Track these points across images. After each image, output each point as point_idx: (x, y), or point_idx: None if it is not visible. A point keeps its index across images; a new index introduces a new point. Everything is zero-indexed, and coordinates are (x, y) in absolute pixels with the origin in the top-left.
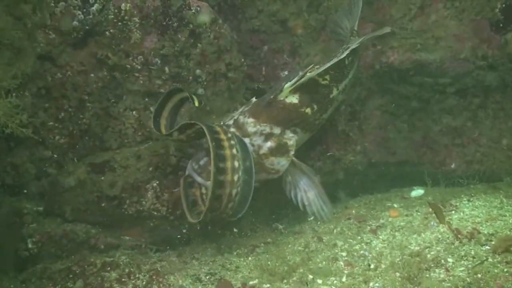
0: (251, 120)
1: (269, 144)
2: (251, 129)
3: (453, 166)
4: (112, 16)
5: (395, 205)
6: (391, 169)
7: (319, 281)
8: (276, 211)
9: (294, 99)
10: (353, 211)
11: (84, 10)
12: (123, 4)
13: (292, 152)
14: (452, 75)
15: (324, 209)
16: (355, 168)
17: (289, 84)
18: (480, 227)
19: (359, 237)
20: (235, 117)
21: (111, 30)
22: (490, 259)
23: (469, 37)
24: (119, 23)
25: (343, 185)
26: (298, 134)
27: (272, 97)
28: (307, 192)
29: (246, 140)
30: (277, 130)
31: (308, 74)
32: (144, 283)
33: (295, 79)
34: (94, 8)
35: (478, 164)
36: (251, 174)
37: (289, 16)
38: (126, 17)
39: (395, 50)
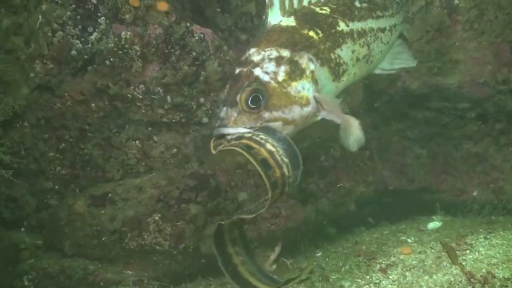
0: (252, 50)
1: (283, 68)
2: (256, 57)
3: (474, 194)
4: (112, 45)
5: (409, 240)
6: (409, 197)
7: None
8: (284, 245)
9: (290, 22)
10: (363, 247)
11: (83, 39)
12: (123, 32)
13: (308, 72)
14: (471, 99)
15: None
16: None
17: (268, 5)
18: (496, 270)
19: (367, 277)
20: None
21: (111, 59)
22: None
23: (489, 60)
24: (120, 52)
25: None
26: (314, 63)
27: (264, 25)
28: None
29: (258, 69)
30: (285, 53)
31: None
32: None
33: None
34: (93, 37)
35: (500, 193)
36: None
37: None
38: (126, 46)
39: (411, 74)
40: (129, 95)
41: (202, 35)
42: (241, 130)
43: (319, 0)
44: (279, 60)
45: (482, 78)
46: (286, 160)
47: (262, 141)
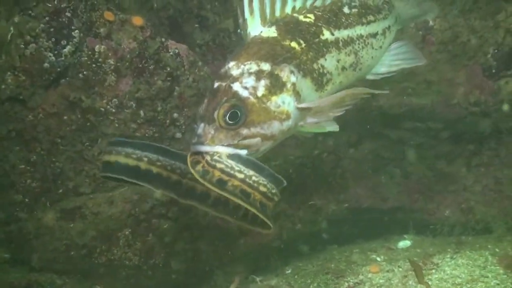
0: (231, 63)
1: (263, 82)
2: (235, 71)
3: (446, 213)
4: (86, 58)
5: (378, 259)
6: (383, 215)
7: None
8: (256, 262)
9: (271, 33)
10: (333, 265)
11: (56, 52)
12: (97, 46)
13: (289, 85)
14: (444, 120)
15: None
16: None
17: (248, 15)
18: None
19: None
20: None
21: (84, 72)
22: None
23: (462, 82)
24: (93, 65)
25: (331, 232)
26: (295, 75)
27: (244, 37)
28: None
29: (237, 84)
30: (265, 66)
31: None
32: None
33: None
34: (66, 50)
35: (471, 213)
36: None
37: None
38: (100, 59)
39: (386, 94)
40: (102, 109)
41: (176, 51)
42: (219, 148)
43: (304, 6)
44: (259, 74)
45: (454, 99)
46: (274, 191)
47: (255, 185)
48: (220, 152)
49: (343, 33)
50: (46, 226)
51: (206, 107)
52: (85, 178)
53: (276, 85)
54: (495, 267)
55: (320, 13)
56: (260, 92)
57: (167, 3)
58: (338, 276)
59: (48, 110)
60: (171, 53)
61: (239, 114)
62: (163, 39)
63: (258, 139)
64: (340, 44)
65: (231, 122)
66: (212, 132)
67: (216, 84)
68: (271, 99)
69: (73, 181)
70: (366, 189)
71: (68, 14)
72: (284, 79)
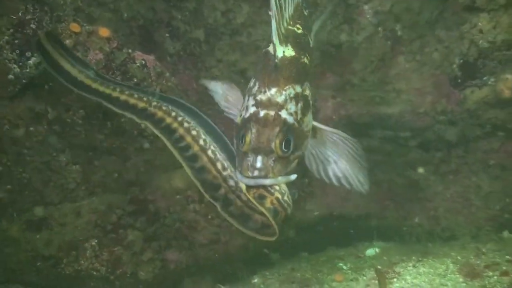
0: (273, 90)
1: (299, 105)
2: (279, 98)
3: (416, 220)
4: None
5: (345, 267)
6: (353, 223)
7: None
8: (223, 271)
9: (291, 52)
10: (299, 274)
11: (21, 63)
12: None
13: (311, 102)
14: (412, 128)
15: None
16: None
17: (274, 36)
18: None
19: None
20: (251, 107)
21: (50, 84)
22: None
23: (430, 91)
24: None
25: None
26: (310, 90)
27: (273, 56)
28: (338, 162)
29: (284, 112)
30: (298, 89)
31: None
32: None
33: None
34: (31, 61)
35: (440, 219)
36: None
37: (248, 66)
38: None
39: (355, 102)
40: (69, 120)
41: (143, 62)
42: (281, 180)
43: (290, 16)
44: (296, 98)
45: (422, 108)
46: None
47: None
48: (282, 185)
49: (312, 35)
50: (11, 237)
51: (258, 138)
52: (52, 189)
53: (306, 106)
54: (455, 275)
55: (301, 22)
56: (299, 116)
57: (137, 13)
58: (303, 286)
59: (13, 121)
60: (138, 64)
61: (291, 141)
62: (130, 50)
63: (296, 161)
64: (313, 46)
65: (286, 150)
66: (272, 163)
67: (262, 113)
68: (304, 120)
69: (41, 192)
70: (336, 197)
71: (33, 26)
72: (309, 98)
